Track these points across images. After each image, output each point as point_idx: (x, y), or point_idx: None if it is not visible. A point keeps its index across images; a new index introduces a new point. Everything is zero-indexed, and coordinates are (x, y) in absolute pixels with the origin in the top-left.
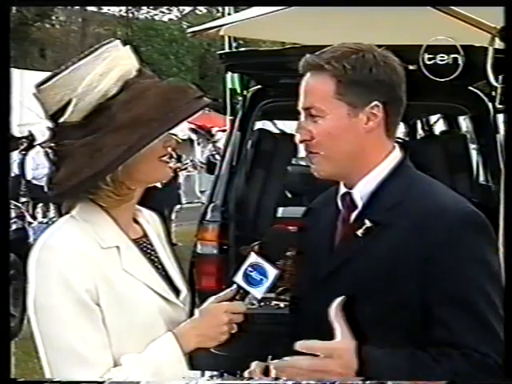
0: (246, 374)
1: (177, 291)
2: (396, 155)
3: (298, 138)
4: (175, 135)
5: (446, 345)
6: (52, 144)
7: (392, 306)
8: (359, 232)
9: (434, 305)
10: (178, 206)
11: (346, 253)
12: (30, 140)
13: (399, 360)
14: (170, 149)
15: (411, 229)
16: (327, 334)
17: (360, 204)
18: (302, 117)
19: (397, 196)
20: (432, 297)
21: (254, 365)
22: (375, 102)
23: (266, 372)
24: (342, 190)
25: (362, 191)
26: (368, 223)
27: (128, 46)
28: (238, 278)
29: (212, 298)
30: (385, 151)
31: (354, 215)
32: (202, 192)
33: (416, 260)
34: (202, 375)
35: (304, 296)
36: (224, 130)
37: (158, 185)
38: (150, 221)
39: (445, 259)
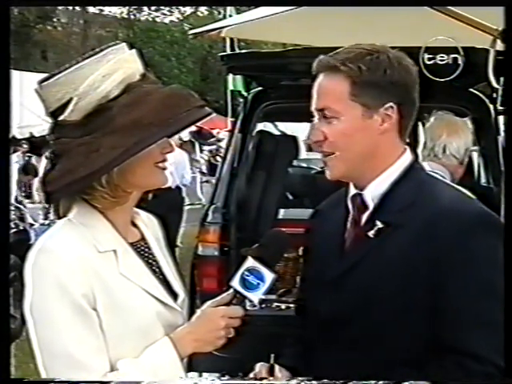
0: (251, 375)
1: (174, 295)
2: (407, 157)
3: (311, 138)
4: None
5: (449, 347)
6: (50, 141)
7: (402, 307)
8: (371, 233)
9: (445, 307)
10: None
11: (357, 254)
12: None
13: None
14: (167, 155)
15: (423, 230)
16: (337, 334)
17: (371, 205)
18: (316, 118)
19: (408, 197)
20: (442, 298)
21: (258, 366)
22: (390, 104)
23: (271, 371)
24: (352, 191)
25: (373, 192)
26: (379, 224)
27: (134, 50)
28: (235, 283)
29: (209, 303)
30: (397, 153)
31: (364, 216)
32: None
33: (428, 261)
34: (200, 376)
35: (312, 297)
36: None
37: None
38: (148, 224)
39: (457, 261)
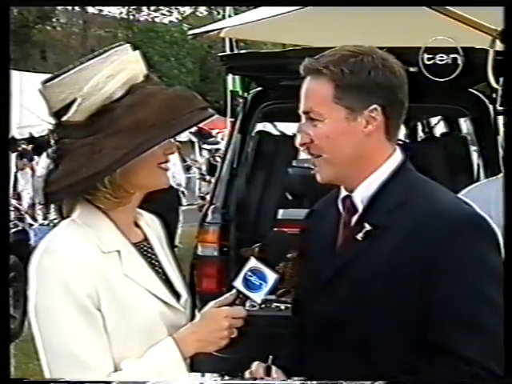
0: (247, 374)
1: (177, 295)
2: (397, 158)
3: (298, 141)
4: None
5: (438, 348)
6: (52, 141)
7: (392, 309)
8: (359, 236)
9: (433, 307)
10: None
11: (346, 256)
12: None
13: None
14: (169, 156)
15: (411, 232)
16: (330, 335)
17: (360, 207)
18: (303, 120)
19: (397, 199)
20: (431, 299)
21: (255, 365)
22: (374, 106)
23: (267, 372)
24: (343, 193)
25: (362, 194)
26: (368, 227)
27: (137, 51)
28: (238, 283)
29: (212, 303)
30: (385, 154)
31: (354, 219)
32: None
33: (416, 263)
34: (202, 376)
35: (306, 298)
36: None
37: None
38: (150, 224)
39: (445, 262)
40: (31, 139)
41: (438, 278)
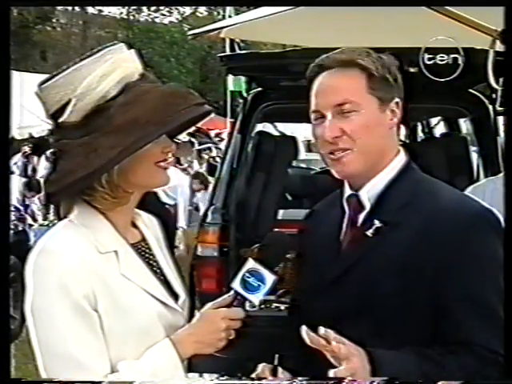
0: (253, 375)
1: (175, 296)
2: (402, 157)
3: (328, 135)
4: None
5: (456, 343)
6: (51, 143)
7: (403, 306)
8: (369, 232)
9: (446, 303)
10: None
11: (355, 254)
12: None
13: (408, 361)
14: (169, 154)
15: (421, 228)
16: (340, 334)
17: (368, 205)
18: (329, 115)
19: (405, 196)
20: (443, 295)
21: (261, 367)
22: (397, 99)
23: (273, 373)
24: (347, 192)
25: (369, 192)
26: (377, 223)
27: (133, 50)
28: (236, 284)
29: (209, 304)
30: (393, 152)
31: (361, 217)
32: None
33: (427, 259)
34: (200, 376)
35: (310, 298)
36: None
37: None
38: (148, 225)
39: (457, 258)
40: (30, 140)
41: (451, 274)
